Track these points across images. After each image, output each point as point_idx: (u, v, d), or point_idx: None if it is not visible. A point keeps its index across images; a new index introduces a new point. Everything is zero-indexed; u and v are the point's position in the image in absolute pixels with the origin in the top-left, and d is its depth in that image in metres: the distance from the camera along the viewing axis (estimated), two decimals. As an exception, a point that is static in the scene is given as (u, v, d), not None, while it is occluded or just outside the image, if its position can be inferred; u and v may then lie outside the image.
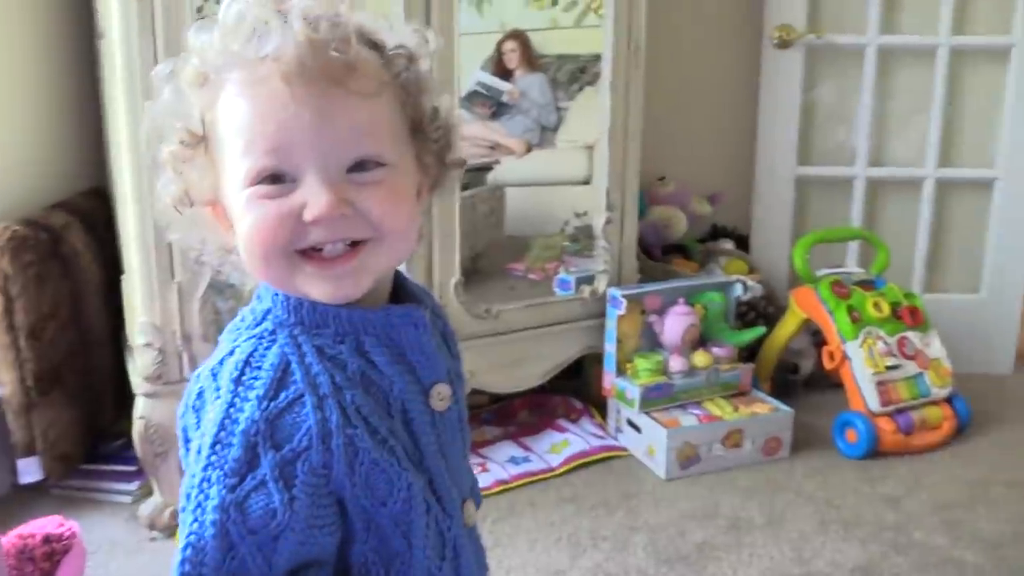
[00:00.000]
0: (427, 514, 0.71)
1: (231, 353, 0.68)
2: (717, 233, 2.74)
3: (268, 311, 0.70)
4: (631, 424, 2.13)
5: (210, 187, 0.69)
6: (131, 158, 1.63)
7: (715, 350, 2.19)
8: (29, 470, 1.79)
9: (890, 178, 2.69)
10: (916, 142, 2.65)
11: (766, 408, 2.15)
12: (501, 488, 1.95)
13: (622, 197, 2.21)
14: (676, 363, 2.14)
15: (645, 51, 2.16)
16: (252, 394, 0.65)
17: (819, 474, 2.06)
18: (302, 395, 0.65)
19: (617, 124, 2.15)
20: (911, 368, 2.21)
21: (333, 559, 0.68)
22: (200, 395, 0.69)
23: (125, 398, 1.92)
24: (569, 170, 2.41)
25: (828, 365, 2.24)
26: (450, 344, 0.81)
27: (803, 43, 2.57)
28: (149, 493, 1.82)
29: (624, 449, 2.13)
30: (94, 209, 2.05)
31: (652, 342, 2.19)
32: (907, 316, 2.27)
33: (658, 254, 2.59)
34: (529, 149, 2.39)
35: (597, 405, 2.28)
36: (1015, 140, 2.59)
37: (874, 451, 2.12)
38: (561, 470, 2.03)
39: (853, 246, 2.68)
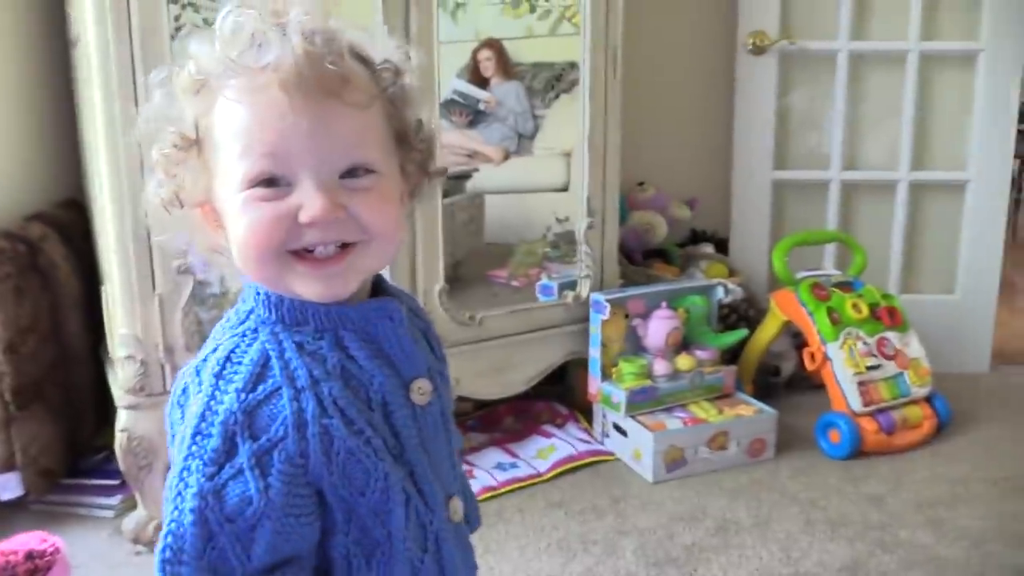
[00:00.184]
0: (407, 505, 0.72)
1: (214, 350, 0.71)
2: (697, 237, 2.77)
3: (251, 311, 0.73)
4: (617, 428, 2.13)
5: (202, 189, 0.71)
6: (110, 166, 1.61)
7: (698, 353, 2.20)
8: (9, 486, 1.77)
9: (864, 181, 2.73)
10: (889, 146, 2.70)
11: (750, 410, 2.16)
12: (489, 494, 1.94)
13: (603, 202, 2.21)
14: (660, 367, 2.15)
15: (621, 58, 2.17)
16: (231, 387, 0.68)
17: (803, 475, 2.08)
18: (279, 388, 0.68)
19: (596, 130, 2.16)
20: (891, 368, 2.24)
21: (312, 556, 0.70)
22: (185, 391, 0.72)
23: (106, 411, 1.89)
24: (547, 177, 2.42)
25: (810, 366, 2.26)
26: (434, 346, 0.83)
27: (777, 49, 2.61)
28: (132, 507, 1.80)
29: (611, 453, 2.14)
30: (71, 220, 2.01)
31: (636, 346, 2.20)
32: (886, 317, 2.30)
33: (639, 259, 2.61)
34: (507, 157, 2.40)
35: (582, 410, 2.29)
36: (985, 143, 2.64)
37: (857, 451, 2.14)
38: (549, 475, 2.03)
39: (829, 248, 2.71)
